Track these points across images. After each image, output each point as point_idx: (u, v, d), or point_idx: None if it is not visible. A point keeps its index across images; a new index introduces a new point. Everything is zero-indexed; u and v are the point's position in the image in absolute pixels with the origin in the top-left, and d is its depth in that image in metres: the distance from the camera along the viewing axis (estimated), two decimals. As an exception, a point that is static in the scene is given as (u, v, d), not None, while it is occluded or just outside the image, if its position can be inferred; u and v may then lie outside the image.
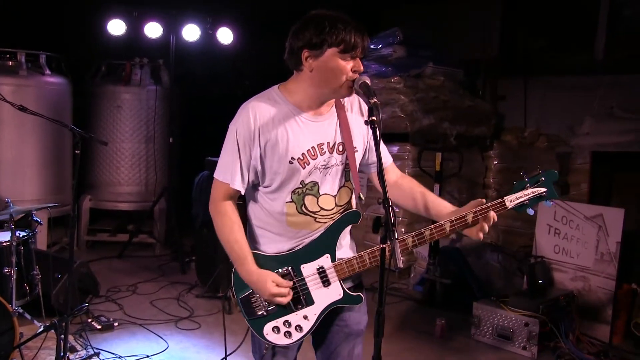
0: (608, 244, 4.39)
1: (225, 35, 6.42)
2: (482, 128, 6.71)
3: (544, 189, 2.14)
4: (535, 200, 2.15)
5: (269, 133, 2.07)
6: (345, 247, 2.23)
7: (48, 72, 6.00)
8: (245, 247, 2.15)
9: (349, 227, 2.21)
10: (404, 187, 2.32)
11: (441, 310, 4.81)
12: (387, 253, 1.89)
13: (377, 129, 1.94)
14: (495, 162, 6.58)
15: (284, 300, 2.12)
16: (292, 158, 2.08)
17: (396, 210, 1.93)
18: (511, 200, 2.13)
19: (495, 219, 2.10)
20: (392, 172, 2.36)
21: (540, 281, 4.49)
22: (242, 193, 2.17)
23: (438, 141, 6.06)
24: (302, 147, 2.09)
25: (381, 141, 2.20)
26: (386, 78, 6.25)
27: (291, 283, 2.14)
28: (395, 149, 6.09)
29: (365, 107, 2.25)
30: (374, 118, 1.94)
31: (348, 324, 2.27)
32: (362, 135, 2.23)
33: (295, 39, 2.04)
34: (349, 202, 2.24)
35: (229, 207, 2.17)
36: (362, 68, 2.06)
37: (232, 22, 6.46)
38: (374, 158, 2.27)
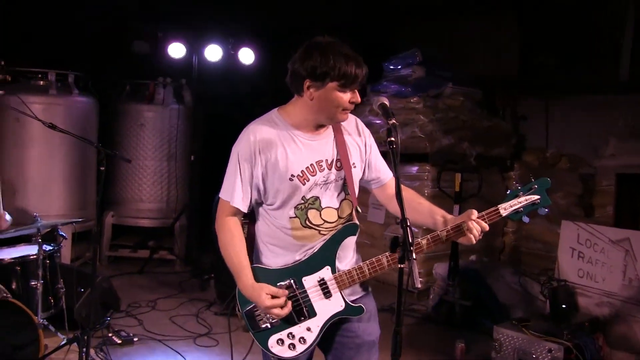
0: (636, 268, 4.25)
1: (246, 55, 6.53)
2: (502, 148, 6.69)
3: (537, 197, 2.23)
4: (530, 207, 2.22)
5: (269, 153, 2.17)
6: (347, 259, 2.29)
7: (76, 91, 6.14)
8: (243, 261, 2.22)
9: (349, 239, 2.27)
10: (407, 200, 2.34)
11: (461, 333, 4.77)
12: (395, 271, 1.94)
13: (396, 150, 2.01)
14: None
15: (282, 312, 2.15)
16: (292, 175, 2.17)
17: (415, 230, 1.97)
18: (505, 208, 2.22)
19: (487, 229, 2.20)
20: (392, 187, 2.41)
21: (563, 305, 4.36)
22: (244, 211, 2.24)
23: (457, 161, 6.05)
24: (301, 164, 2.18)
25: (380, 156, 2.36)
26: (405, 98, 6.28)
27: (286, 292, 2.18)
28: (414, 169, 6.09)
29: (361, 125, 2.36)
30: (393, 139, 2.02)
31: (358, 334, 2.30)
32: (359, 152, 2.31)
33: (299, 66, 2.12)
34: (351, 213, 2.31)
35: (231, 223, 2.24)
36: (359, 100, 2.17)
37: (254, 42, 6.58)
38: (373, 175, 2.39)
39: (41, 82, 5.96)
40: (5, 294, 3.50)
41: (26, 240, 4.14)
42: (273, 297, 2.16)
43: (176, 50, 6.43)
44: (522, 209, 2.22)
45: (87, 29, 6.48)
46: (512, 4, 6.91)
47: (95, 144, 3.64)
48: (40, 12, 6.23)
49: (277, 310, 2.15)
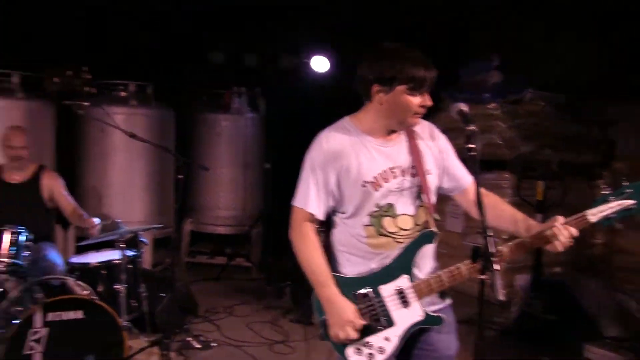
0: None
1: (320, 63, 6.54)
2: (589, 155, 6.36)
3: (633, 201, 2.10)
4: (623, 213, 2.10)
5: (342, 159, 2.16)
6: (425, 267, 2.24)
7: (155, 101, 6.34)
8: (326, 271, 2.19)
9: (427, 247, 2.22)
10: (488, 205, 2.27)
11: (545, 349, 4.52)
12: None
13: (475, 157, 2.01)
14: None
15: (352, 334, 2.13)
16: (365, 182, 2.15)
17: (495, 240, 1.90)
18: (593, 214, 2.11)
19: (575, 234, 2.09)
20: (474, 192, 2.34)
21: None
22: (320, 217, 2.23)
23: (539, 169, 5.82)
24: (373, 171, 2.16)
25: (458, 161, 2.33)
26: (482, 104, 6.11)
27: (368, 308, 2.17)
28: (492, 177, 5.90)
29: (437, 132, 2.32)
30: (472, 145, 2.01)
31: (436, 348, 2.25)
32: (434, 158, 2.27)
33: (366, 71, 2.13)
34: (428, 221, 2.25)
35: (308, 231, 2.23)
36: (430, 103, 2.13)
37: (328, 49, 6.58)
38: (452, 181, 2.34)
39: (122, 94, 6.17)
40: (92, 296, 3.62)
41: (110, 245, 4.29)
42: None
43: (250, 59, 6.53)
44: (613, 214, 2.10)
45: (164, 40, 6.68)
46: (598, 3, 6.59)
47: (173, 153, 3.73)
48: (120, 26, 6.47)
49: (350, 330, 2.13)
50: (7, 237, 3.51)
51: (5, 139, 4.25)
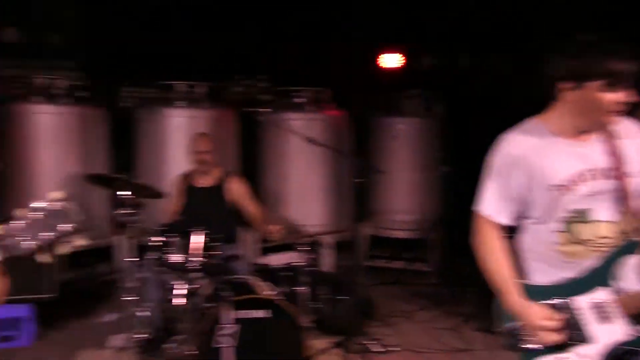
0: None
1: (501, 62, 6.21)
2: None
3: None
4: None
5: (526, 163, 2.04)
6: (627, 281, 1.98)
7: (330, 106, 6.45)
8: (508, 277, 2.09)
9: (630, 258, 1.97)
10: None
11: None
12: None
13: None
14: None
15: (551, 337, 1.95)
16: (553, 185, 2.00)
17: None
18: None
19: None
20: None
21: None
22: (503, 223, 2.11)
23: None
24: (562, 174, 2.00)
25: None
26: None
27: (562, 318, 1.97)
28: None
29: None
30: None
31: None
32: (638, 160, 2.00)
33: (554, 66, 1.95)
34: (632, 229, 2.00)
35: (490, 238, 2.14)
36: (633, 99, 1.88)
37: (508, 48, 6.23)
38: None
39: (298, 100, 6.32)
40: (278, 296, 3.75)
41: (291, 248, 4.41)
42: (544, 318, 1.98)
43: (426, 60, 6.41)
44: None
45: (336, 46, 6.80)
46: None
47: (350, 156, 3.73)
48: (295, 36, 6.71)
49: (547, 334, 1.95)
50: (198, 238, 3.76)
51: (192, 145, 4.59)
